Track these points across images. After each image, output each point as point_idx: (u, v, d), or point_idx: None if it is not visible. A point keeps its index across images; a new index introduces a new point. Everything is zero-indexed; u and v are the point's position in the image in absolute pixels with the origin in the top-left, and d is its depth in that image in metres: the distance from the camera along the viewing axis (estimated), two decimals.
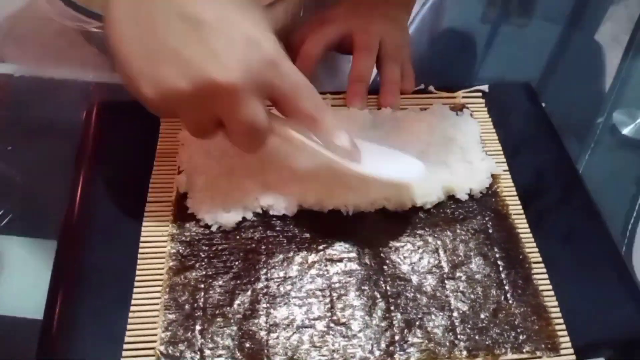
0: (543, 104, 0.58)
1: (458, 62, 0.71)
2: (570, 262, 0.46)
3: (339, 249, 0.45)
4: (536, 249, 0.46)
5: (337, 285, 0.43)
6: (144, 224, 0.46)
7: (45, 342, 0.40)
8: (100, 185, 0.48)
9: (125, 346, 0.39)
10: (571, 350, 0.41)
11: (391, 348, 0.40)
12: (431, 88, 0.57)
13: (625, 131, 0.63)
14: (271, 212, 0.46)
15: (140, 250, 0.44)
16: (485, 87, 0.57)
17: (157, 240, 0.45)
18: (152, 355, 0.39)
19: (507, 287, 0.43)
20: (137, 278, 0.43)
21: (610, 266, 0.46)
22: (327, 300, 0.42)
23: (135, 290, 0.42)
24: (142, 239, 0.45)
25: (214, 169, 0.48)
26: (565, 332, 0.42)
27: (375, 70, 0.57)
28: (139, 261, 0.43)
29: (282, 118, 0.43)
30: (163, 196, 0.47)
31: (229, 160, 0.48)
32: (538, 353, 0.40)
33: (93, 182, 0.49)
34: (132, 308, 0.41)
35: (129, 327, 0.40)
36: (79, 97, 0.59)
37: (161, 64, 0.37)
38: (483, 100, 0.56)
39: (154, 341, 0.40)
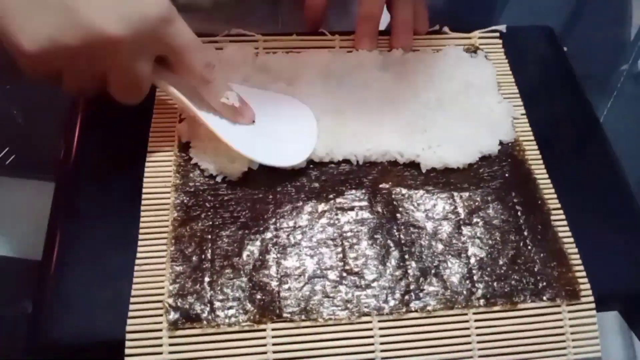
0: (565, 48, 0.55)
1: (476, 4, 0.67)
2: (589, 209, 0.44)
3: (350, 197, 0.43)
4: (554, 195, 0.44)
5: (348, 234, 0.41)
6: (146, 173, 0.44)
7: (42, 284, 0.38)
8: (98, 129, 0.46)
9: (132, 299, 0.38)
10: (591, 298, 0.40)
11: (406, 297, 0.39)
12: (445, 29, 0.54)
13: None
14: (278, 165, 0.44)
15: (143, 201, 0.42)
16: (502, 28, 0.54)
17: (160, 191, 0.43)
18: (161, 308, 0.38)
19: (525, 233, 0.42)
20: (140, 230, 0.41)
21: (627, 216, 0.45)
22: (339, 249, 0.41)
23: (139, 242, 0.40)
24: (144, 189, 0.43)
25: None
26: (586, 279, 0.40)
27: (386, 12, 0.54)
28: (142, 212, 0.42)
29: (172, 75, 0.42)
30: (164, 145, 0.45)
31: None
32: (558, 300, 0.39)
33: (91, 124, 0.46)
34: (137, 260, 0.40)
35: (135, 279, 0.39)
36: None
37: (45, 16, 0.34)
38: (500, 42, 0.53)
39: (162, 294, 0.38)
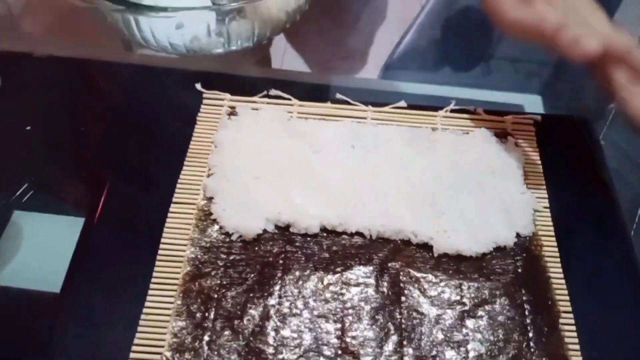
0: (602, 142, 0.54)
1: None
2: (602, 316, 0.43)
3: (358, 273, 0.44)
4: (567, 297, 0.43)
5: (350, 311, 0.42)
6: (167, 224, 0.46)
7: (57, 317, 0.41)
8: (129, 174, 0.49)
9: (133, 347, 0.40)
10: None
11: None
12: (479, 110, 0.54)
13: None
14: (292, 229, 0.45)
15: (160, 251, 0.44)
16: (538, 117, 0.54)
17: (177, 243, 0.45)
18: None
19: (530, 334, 0.41)
20: (152, 280, 0.43)
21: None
22: (339, 325, 0.41)
23: (149, 292, 0.42)
24: (162, 239, 0.45)
25: (241, 176, 0.48)
26: None
27: None
28: (157, 262, 0.44)
29: None
30: (189, 198, 0.47)
31: (256, 169, 0.48)
32: None
33: (123, 167, 0.49)
34: (144, 310, 0.41)
35: (139, 329, 0.40)
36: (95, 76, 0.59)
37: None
38: (533, 129, 0.53)
39: (162, 346, 0.40)
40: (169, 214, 0.46)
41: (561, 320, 0.42)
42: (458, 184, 0.48)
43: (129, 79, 0.57)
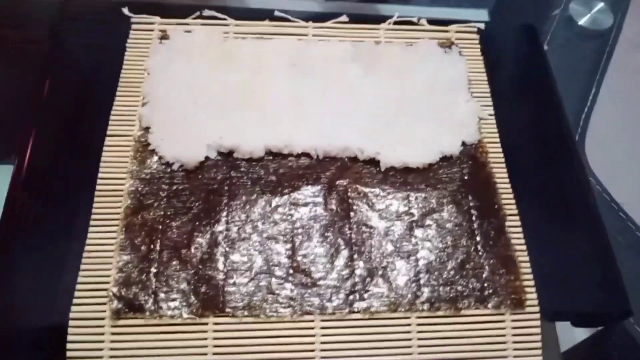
0: (546, 47, 0.53)
1: None
2: (548, 220, 0.44)
3: (306, 193, 0.43)
4: (513, 201, 0.44)
5: (300, 230, 0.41)
6: (103, 158, 0.43)
7: None
8: (58, 110, 0.46)
9: (78, 286, 0.38)
10: (537, 309, 0.40)
11: (351, 297, 0.39)
12: (423, 21, 0.52)
13: (582, 22, 0.63)
14: (236, 155, 0.44)
15: (98, 187, 0.42)
16: (481, 25, 0.52)
17: (115, 177, 0.43)
18: (105, 297, 0.38)
19: (478, 238, 0.42)
20: (92, 216, 0.41)
21: (589, 236, 0.43)
22: (289, 246, 0.41)
23: (90, 228, 0.40)
24: (100, 174, 0.43)
25: (177, 103, 0.45)
26: (534, 289, 0.40)
27: None
28: (95, 198, 0.42)
29: None
30: (124, 129, 0.45)
31: (192, 95, 0.46)
32: (502, 309, 0.39)
33: (52, 105, 0.46)
34: (86, 247, 0.40)
35: (82, 266, 0.39)
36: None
37: None
38: (477, 38, 0.52)
39: (108, 282, 0.39)
40: (105, 148, 0.44)
41: (507, 223, 0.43)
42: (403, 96, 0.47)
43: (50, 14, 0.53)
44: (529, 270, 0.41)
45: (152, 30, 0.50)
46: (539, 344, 0.39)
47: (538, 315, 0.39)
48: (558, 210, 0.45)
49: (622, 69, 0.58)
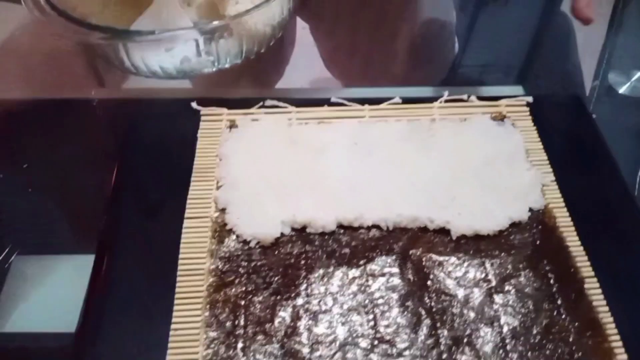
0: (594, 115, 0.56)
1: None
2: (624, 277, 0.44)
3: (380, 264, 0.44)
4: (588, 263, 0.44)
5: (379, 301, 0.42)
6: (183, 239, 0.45)
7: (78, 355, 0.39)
8: (136, 199, 0.49)
9: None
10: None
11: None
12: (473, 97, 0.55)
13: (622, 90, 0.65)
14: (309, 230, 0.45)
15: (180, 267, 0.44)
16: (529, 98, 0.55)
17: (196, 256, 0.44)
18: None
19: (559, 302, 0.41)
20: (176, 295, 0.42)
21: None
22: (370, 317, 0.41)
23: (175, 307, 0.41)
24: (181, 254, 0.44)
25: (250, 185, 0.48)
26: (622, 350, 0.39)
27: None
28: (178, 278, 0.43)
29: None
30: (201, 212, 0.47)
31: (264, 177, 0.48)
32: None
33: (129, 196, 0.49)
34: (172, 326, 0.40)
35: (170, 344, 0.40)
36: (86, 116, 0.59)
37: None
38: (527, 110, 0.55)
39: (196, 359, 0.39)
40: (184, 230, 0.46)
41: (586, 286, 0.42)
42: (464, 168, 0.49)
43: (121, 114, 0.57)
44: (615, 331, 0.40)
45: (221, 120, 0.54)
46: None
47: None
48: (630, 272, 0.45)
49: None
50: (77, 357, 0.40)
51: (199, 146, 0.52)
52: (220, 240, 0.45)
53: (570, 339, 0.40)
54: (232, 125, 0.53)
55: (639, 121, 0.61)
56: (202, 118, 0.54)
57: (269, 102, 0.55)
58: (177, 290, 0.42)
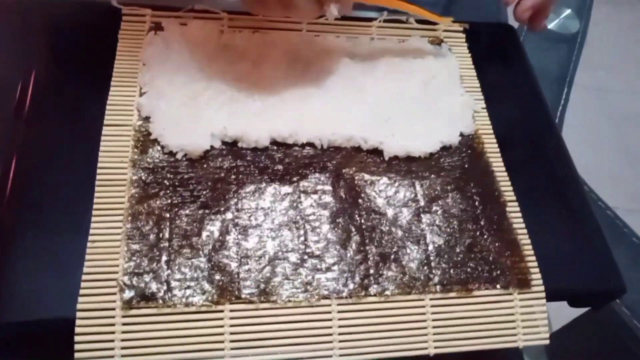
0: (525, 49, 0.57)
1: None
2: (543, 203, 0.46)
3: (313, 181, 0.43)
4: (510, 188, 0.45)
5: (311, 217, 0.41)
6: (102, 148, 0.42)
7: None
8: (53, 104, 0.44)
9: (84, 277, 0.36)
10: (542, 287, 0.41)
11: (366, 281, 0.39)
12: (412, 20, 0.54)
13: (551, 26, 0.68)
14: (240, 144, 0.43)
15: (98, 176, 0.40)
16: (466, 25, 0.55)
17: (116, 166, 0.41)
18: (114, 287, 0.36)
19: (482, 222, 0.43)
20: (95, 206, 0.39)
21: (581, 215, 0.46)
22: (301, 232, 0.40)
23: (93, 218, 0.39)
24: (99, 163, 0.41)
25: (178, 93, 0.44)
26: (537, 269, 0.42)
27: None
28: (96, 187, 0.40)
29: None
30: (122, 119, 0.44)
31: (193, 85, 0.45)
32: (510, 288, 0.41)
33: (46, 100, 0.44)
34: (90, 237, 0.38)
35: (87, 257, 0.37)
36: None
37: None
38: (463, 36, 0.54)
39: (116, 272, 0.37)
40: (103, 137, 0.42)
41: (507, 209, 0.44)
42: (400, 90, 0.48)
43: (38, 15, 0.51)
44: (532, 252, 0.42)
45: (144, 22, 0.49)
46: (546, 321, 0.40)
47: (544, 294, 0.41)
48: (549, 197, 0.47)
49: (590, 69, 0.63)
50: None
51: (120, 48, 0.47)
52: (144, 151, 0.42)
53: (491, 258, 0.41)
54: (157, 27, 0.49)
55: (564, 55, 0.63)
56: (124, 18, 0.49)
57: (198, 7, 0.50)
58: (95, 200, 0.39)
